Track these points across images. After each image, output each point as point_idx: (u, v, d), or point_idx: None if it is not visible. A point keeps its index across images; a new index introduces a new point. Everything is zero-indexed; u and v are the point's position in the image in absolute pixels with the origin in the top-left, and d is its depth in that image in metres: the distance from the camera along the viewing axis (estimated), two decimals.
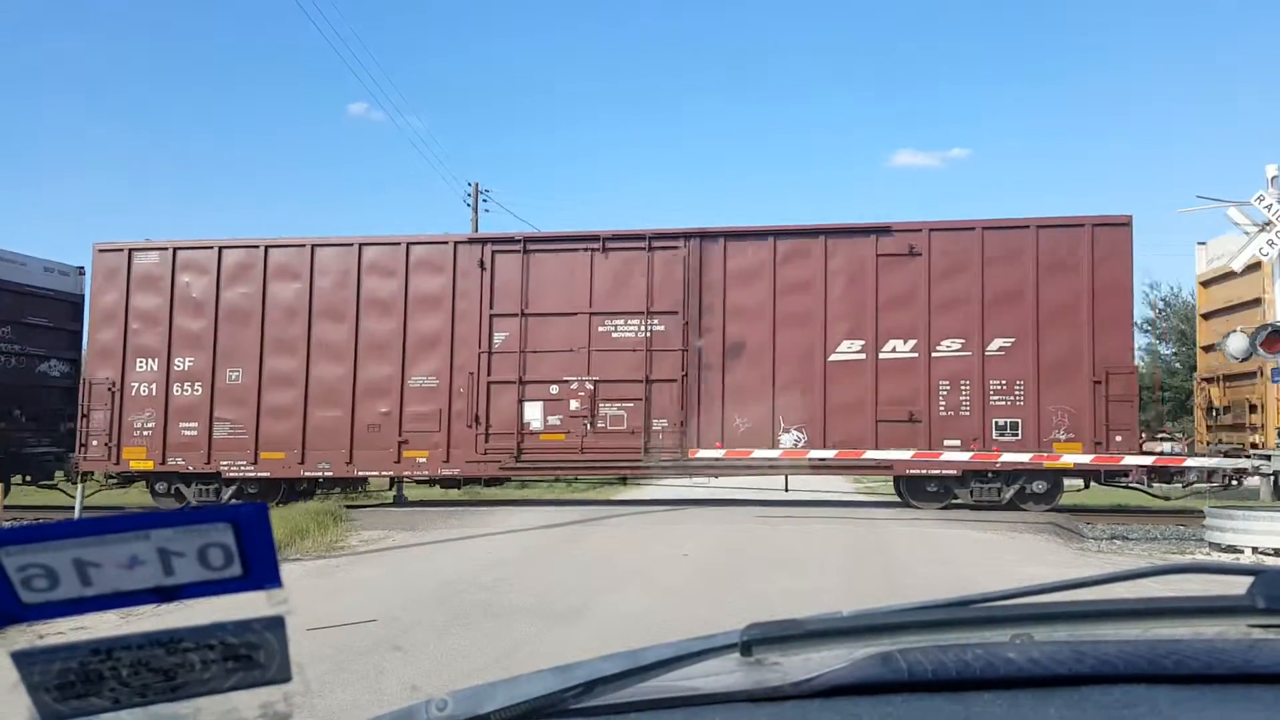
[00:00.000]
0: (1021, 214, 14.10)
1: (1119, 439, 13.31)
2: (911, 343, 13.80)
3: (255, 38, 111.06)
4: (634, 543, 10.79)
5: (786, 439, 13.82)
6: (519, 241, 14.66)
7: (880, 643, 0.97)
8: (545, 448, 14.30)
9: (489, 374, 14.36)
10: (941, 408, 13.65)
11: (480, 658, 5.52)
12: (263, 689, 0.68)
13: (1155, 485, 14.29)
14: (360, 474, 14.84)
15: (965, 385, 13.65)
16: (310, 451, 14.45)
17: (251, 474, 14.57)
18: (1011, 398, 13.55)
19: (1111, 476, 13.91)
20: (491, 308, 14.45)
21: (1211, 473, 13.62)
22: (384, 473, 14.90)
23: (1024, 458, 13.16)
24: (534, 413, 14.31)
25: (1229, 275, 13.87)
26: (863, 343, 13.85)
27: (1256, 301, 14.19)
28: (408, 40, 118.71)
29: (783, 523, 12.43)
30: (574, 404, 14.18)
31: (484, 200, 30.27)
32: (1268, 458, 12.67)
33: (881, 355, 13.81)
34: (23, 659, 0.63)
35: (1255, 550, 10.39)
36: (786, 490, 15.91)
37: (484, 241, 14.88)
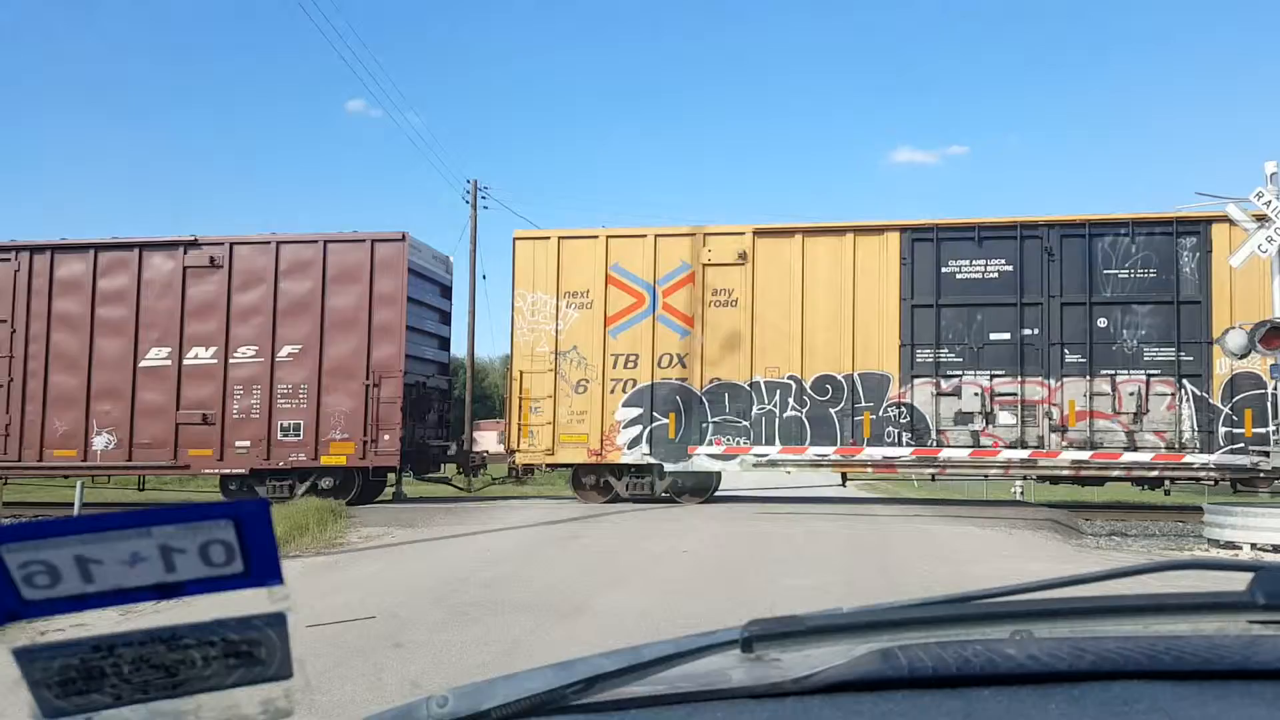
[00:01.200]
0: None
1: (386, 437, 14.47)
2: (213, 349, 14.88)
3: (252, 35, 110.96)
4: (634, 539, 10.78)
5: (99, 441, 14.91)
6: None
7: (881, 639, 0.97)
8: None
9: None
10: (235, 411, 14.74)
11: (480, 654, 5.52)
12: (264, 685, 0.68)
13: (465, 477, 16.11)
14: None
15: (257, 390, 14.73)
16: None
17: None
18: (297, 401, 14.65)
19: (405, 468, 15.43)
20: None
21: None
22: None
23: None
24: None
25: None
26: (169, 349, 14.94)
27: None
28: (405, 38, 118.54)
29: (782, 519, 12.43)
30: None
31: (483, 197, 30.24)
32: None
33: (186, 361, 14.89)
34: (24, 655, 0.63)
35: (1254, 546, 10.41)
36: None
37: None
